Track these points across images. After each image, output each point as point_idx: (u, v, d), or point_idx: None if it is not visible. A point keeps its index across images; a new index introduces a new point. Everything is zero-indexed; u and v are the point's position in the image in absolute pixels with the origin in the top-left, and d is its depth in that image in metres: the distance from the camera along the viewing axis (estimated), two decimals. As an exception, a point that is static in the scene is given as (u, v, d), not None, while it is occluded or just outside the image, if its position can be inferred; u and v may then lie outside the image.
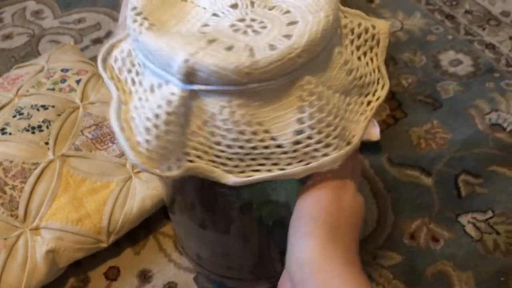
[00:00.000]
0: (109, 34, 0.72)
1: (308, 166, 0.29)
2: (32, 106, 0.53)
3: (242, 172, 0.29)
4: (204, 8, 0.30)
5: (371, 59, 0.32)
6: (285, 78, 0.27)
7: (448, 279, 0.46)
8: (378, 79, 0.32)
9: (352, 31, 0.32)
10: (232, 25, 0.29)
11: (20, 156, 0.48)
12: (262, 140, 0.28)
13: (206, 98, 0.27)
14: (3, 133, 0.50)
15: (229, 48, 0.27)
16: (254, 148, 0.28)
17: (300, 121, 0.28)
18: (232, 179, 0.29)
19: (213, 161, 0.29)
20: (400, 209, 0.51)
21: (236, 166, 0.29)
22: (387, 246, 0.48)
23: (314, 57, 0.27)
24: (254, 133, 0.28)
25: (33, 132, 0.50)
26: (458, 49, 0.67)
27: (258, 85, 0.26)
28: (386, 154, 0.56)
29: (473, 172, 0.54)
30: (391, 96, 0.62)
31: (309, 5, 0.29)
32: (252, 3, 0.30)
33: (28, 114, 0.52)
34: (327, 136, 0.29)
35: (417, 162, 0.55)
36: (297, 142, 0.28)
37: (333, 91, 0.29)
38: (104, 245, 0.47)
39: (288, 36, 0.27)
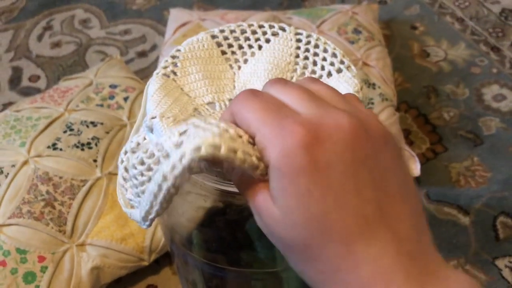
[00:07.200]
0: (154, 47, 0.74)
1: None
2: (81, 122, 0.54)
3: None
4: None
5: None
6: None
7: (482, 324, 0.46)
8: None
9: None
10: None
11: (69, 173, 0.50)
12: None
13: None
14: (54, 149, 0.52)
15: None
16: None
17: None
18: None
19: None
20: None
21: None
22: (422, 285, 0.49)
23: None
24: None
25: (82, 149, 0.52)
26: (503, 83, 0.66)
27: None
28: (425, 189, 0.56)
29: (512, 215, 0.54)
30: (432, 129, 0.62)
31: None
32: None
33: (78, 130, 0.54)
34: None
35: (455, 199, 0.55)
36: None
37: None
38: (146, 263, 0.49)
39: None
